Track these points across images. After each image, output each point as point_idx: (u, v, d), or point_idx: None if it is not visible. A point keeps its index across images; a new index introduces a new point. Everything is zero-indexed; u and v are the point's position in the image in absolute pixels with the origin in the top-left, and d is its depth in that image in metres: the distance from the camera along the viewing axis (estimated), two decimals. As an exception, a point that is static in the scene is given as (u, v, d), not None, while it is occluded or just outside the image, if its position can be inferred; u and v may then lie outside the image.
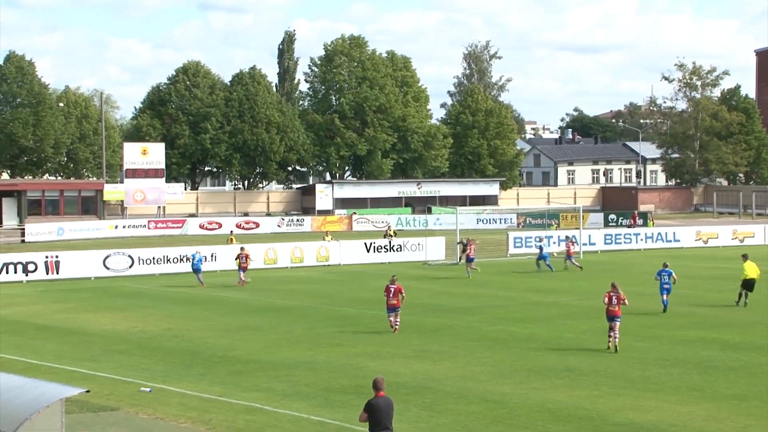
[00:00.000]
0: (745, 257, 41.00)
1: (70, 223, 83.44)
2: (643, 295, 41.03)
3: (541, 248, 55.46)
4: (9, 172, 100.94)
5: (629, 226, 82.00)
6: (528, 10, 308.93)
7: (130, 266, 54.56)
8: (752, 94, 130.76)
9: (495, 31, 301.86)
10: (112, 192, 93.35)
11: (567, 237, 59.91)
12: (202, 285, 48.47)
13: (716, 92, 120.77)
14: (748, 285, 39.74)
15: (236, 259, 49.87)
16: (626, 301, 31.47)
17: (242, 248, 50.72)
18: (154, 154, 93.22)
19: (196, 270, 49.68)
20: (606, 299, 31.26)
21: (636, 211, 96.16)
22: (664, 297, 38.54)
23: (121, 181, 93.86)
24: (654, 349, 30.77)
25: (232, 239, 61.47)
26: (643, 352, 30.27)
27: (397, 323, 34.10)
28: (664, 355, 29.89)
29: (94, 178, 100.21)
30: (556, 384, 26.15)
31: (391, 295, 34.04)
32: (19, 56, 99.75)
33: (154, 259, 55.72)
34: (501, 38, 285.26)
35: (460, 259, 56.43)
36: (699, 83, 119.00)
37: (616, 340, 30.64)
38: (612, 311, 30.93)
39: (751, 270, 39.85)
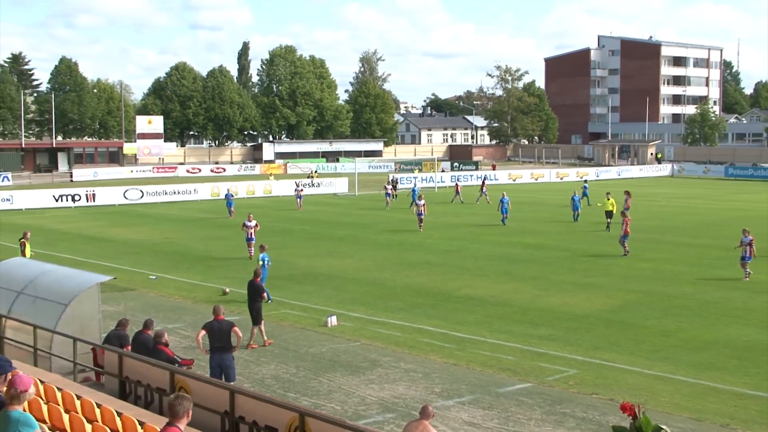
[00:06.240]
0: (608, 195, 37.79)
1: (101, 168, 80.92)
2: (478, 215, 41.38)
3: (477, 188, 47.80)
4: (62, 135, 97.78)
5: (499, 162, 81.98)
6: (406, 29, 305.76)
7: (141, 197, 53.35)
8: (542, 86, 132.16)
9: (383, 43, 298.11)
10: (129, 148, 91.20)
11: (485, 176, 58.38)
12: (231, 215, 42.52)
13: (520, 84, 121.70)
14: (609, 215, 36.62)
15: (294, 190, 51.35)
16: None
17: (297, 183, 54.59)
18: (156, 123, 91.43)
19: (228, 204, 43.85)
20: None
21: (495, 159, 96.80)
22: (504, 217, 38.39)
23: (135, 141, 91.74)
24: (482, 249, 31.21)
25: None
26: (475, 251, 30.66)
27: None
28: (488, 252, 30.32)
29: (117, 139, 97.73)
30: (419, 272, 26.37)
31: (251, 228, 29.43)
32: (68, 59, 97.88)
33: (156, 192, 54.61)
34: (387, 48, 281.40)
35: (395, 196, 51.80)
36: (510, 78, 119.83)
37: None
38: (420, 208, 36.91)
39: (609, 204, 36.83)
